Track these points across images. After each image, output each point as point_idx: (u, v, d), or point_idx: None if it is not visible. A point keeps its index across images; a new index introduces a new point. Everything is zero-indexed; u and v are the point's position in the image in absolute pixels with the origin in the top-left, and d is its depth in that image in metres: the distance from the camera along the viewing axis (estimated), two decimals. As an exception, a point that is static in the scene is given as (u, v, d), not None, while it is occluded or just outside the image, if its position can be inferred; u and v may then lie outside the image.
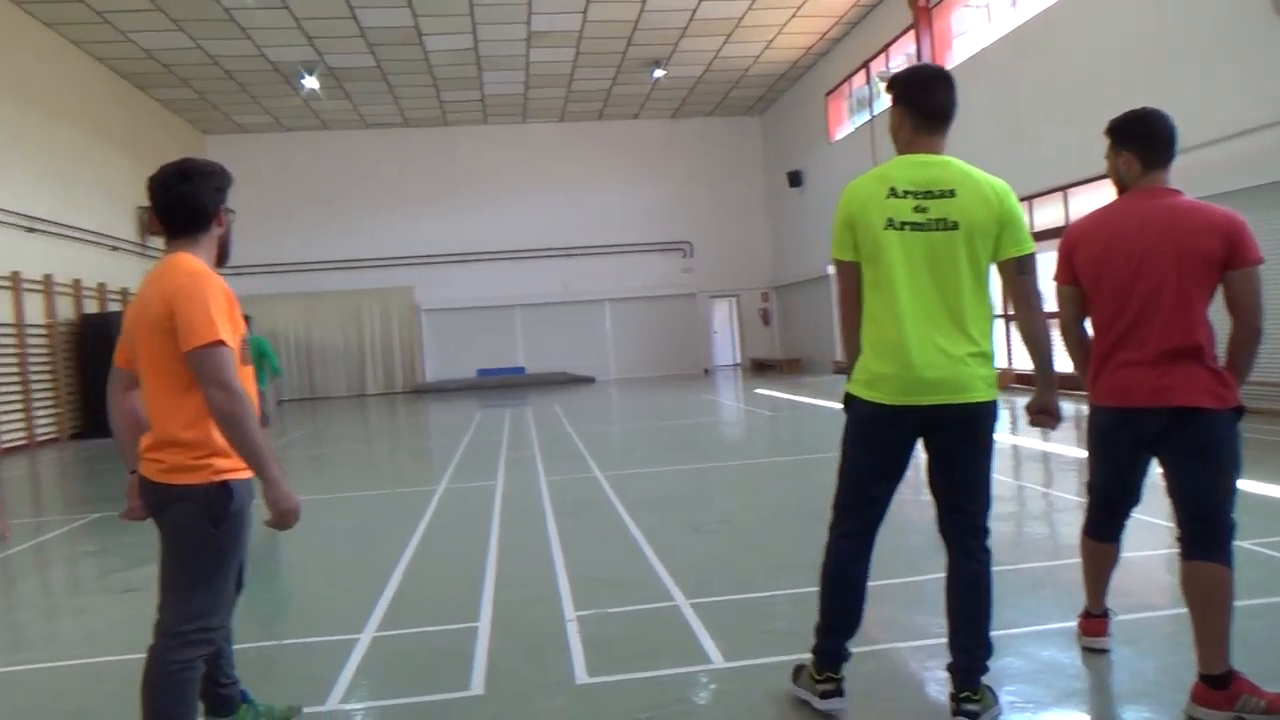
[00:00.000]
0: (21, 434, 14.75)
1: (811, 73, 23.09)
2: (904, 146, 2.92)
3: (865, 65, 20.11)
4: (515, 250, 26.07)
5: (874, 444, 2.91)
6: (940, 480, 2.94)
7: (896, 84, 2.95)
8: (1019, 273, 2.86)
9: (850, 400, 2.97)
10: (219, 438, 2.58)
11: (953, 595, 2.93)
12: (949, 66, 16.68)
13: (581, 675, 3.52)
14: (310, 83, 20.31)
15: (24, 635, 4.73)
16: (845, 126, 21.97)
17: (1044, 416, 3.00)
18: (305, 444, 12.42)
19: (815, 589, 3.06)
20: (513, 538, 6.08)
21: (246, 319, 9.97)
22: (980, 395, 2.80)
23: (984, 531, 2.93)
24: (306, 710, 3.29)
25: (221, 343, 2.51)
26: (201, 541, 2.57)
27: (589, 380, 25.74)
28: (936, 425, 2.83)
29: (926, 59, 16.91)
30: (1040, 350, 2.93)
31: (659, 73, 21.83)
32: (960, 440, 2.85)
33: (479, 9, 17.25)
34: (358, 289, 25.33)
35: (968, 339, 2.79)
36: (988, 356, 2.83)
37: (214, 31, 17.35)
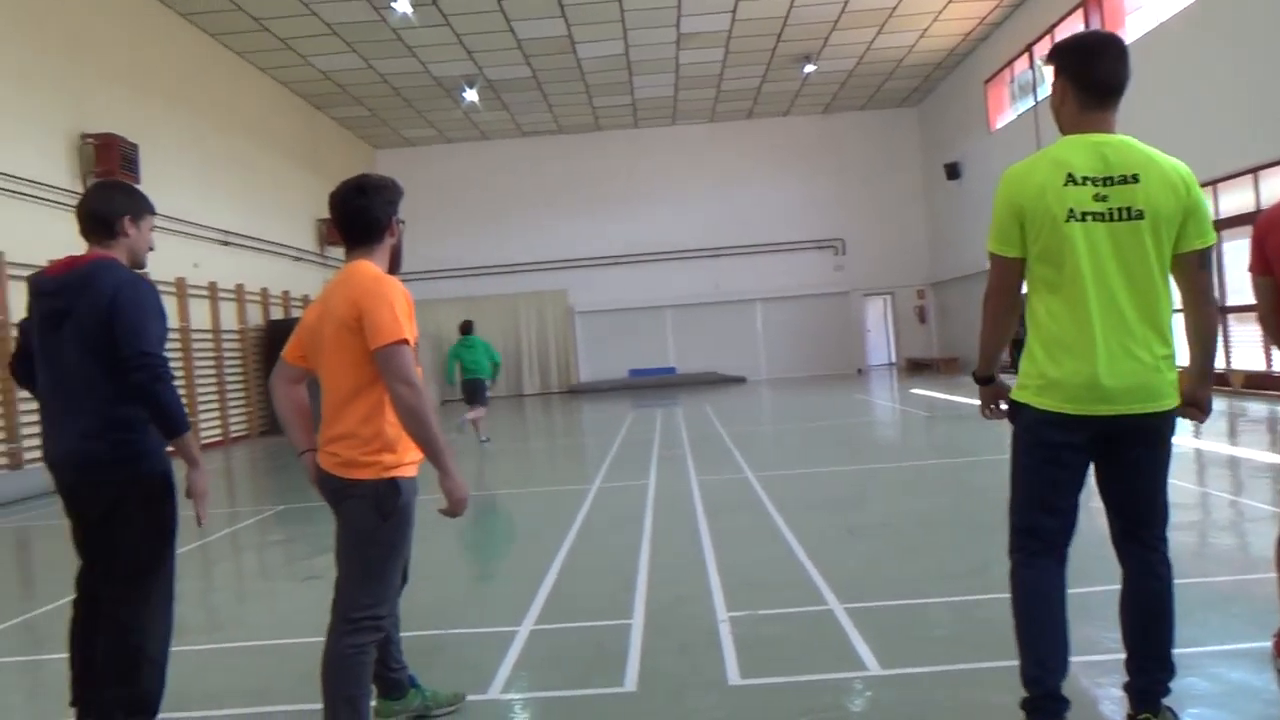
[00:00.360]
0: (217, 431, 16.06)
1: (970, 59, 22.18)
2: (1069, 126, 2.66)
3: (1029, 48, 19.13)
4: (666, 251, 26.29)
5: (1048, 455, 2.66)
6: (1116, 491, 2.74)
7: (1058, 53, 2.68)
8: (1200, 267, 2.63)
9: (1018, 408, 2.73)
10: (391, 433, 2.75)
11: (1130, 614, 2.73)
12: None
13: (734, 676, 3.52)
14: (470, 95, 21.17)
15: (217, 617, 5.16)
16: (1006, 114, 20.98)
17: (1194, 410, 2.77)
18: (467, 442, 12.96)
19: (978, 596, 2.96)
20: (665, 537, 6.14)
21: (468, 322, 10.78)
22: (1169, 403, 2.61)
23: (1163, 543, 2.74)
24: (470, 698, 3.43)
25: (405, 341, 2.68)
26: (371, 534, 2.74)
27: (740, 380, 25.65)
28: (1118, 435, 2.62)
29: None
30: (1206, 347, 2.73)
31: (809, 68, 21.50)
32: (1142, 450, 2.65)
33: (629, 14, 17.50)
34: (515, 292, 26.20)
35: (1161, 341, 2.58)
36: (1173, 359, 2.62)
37: (383, 51, 18.36)
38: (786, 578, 4.89)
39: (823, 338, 26.55)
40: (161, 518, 3.06)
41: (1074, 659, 3.35)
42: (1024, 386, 2.69)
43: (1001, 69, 20.65)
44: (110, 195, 3.22)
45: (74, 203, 12.40)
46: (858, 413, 14.73)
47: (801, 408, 16.40)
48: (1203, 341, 2.73)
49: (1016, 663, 2.69)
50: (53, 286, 3.03)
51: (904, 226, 26.51)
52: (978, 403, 2.97)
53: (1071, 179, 2.54)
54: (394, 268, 3.01)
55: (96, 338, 2.94)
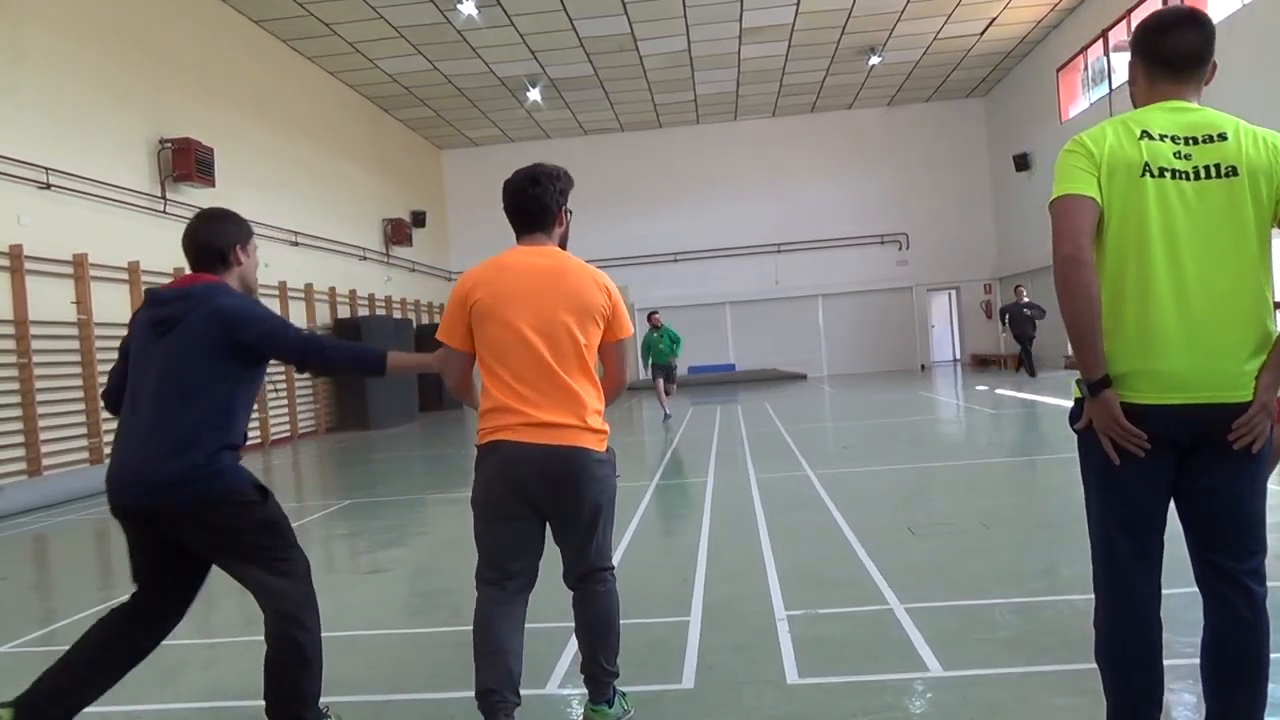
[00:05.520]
0: (286, 427, 16.49)
1: (1041, 47, 21.62)
2: (1142, 102, 2.45)
3: (1104, 34, 18.56)
4: (727, 247, 26.18)
5: (1124, 457, 2.28)
6: (1194, 508, 2.32)
7: (1133, 34, 2.51)
8: None
9: (1082, 406, 2.36)
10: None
11: (1212, 662, 2.32)
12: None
13: (792, 675, 3.49)
14: (534, 95, 21.35)
15: (289, 606, 5.28)
16: (1079, 103, 20.40)
17: (1257, 414, 2.22)
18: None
19: (1043, 598, 2.87)
20: (723, 534, 6.12)
21: (655, 313, 11.36)
22: (1247, 394, 2.21)
23: (1258, 577, 2.28)
24: (526, 693, 3.46)
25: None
26: (613, 491, 3.04)
27: (800, 377, 25.42)
28: (1197, 432, 2.23)
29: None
30: None
31: (875, 60, 21.19)
32: (1225, 453, 2.22)
33: (692, 10, 17.46)
34: (577, 290, 26.29)
35: (1246, 321, 2.22)
36: (1259, 343, 2.24)
37: (449, 53, 18.62)
38: (846, 576, 4.84)
39: (885, 334, 26.18)
40: (265, 517, 2.99)
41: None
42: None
43: (1074, 56, 20.08)
44: (220, 226, 3.22)
45: (154, 205, 12.71)
46: (921, 410, 14.48)
47: (863, 405, 16.19)
48: None
49: (1083, 665, 2.59)
50: (170, 295, 3.05)
51: (970, 220, 25.98)
52: (1047, 400, 2.65)
53: (1147, 134, 2.27)
54: None
55: (205, 346, 2.91)
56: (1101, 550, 2.39)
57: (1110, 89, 18.25)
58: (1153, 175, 2.23)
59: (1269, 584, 2.35)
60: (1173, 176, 2.23)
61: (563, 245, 3.15)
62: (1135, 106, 2.48)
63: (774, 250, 26.19)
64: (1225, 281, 2.22)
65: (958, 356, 27.11)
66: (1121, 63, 17.43)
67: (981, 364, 25.14)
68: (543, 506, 2.93)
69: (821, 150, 26.09)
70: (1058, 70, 20.95)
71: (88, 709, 2.93)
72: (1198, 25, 2.41)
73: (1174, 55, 2.38)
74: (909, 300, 26.30)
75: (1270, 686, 2.35)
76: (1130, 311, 2.25)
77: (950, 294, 26.89)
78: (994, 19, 19.49)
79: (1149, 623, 2.34)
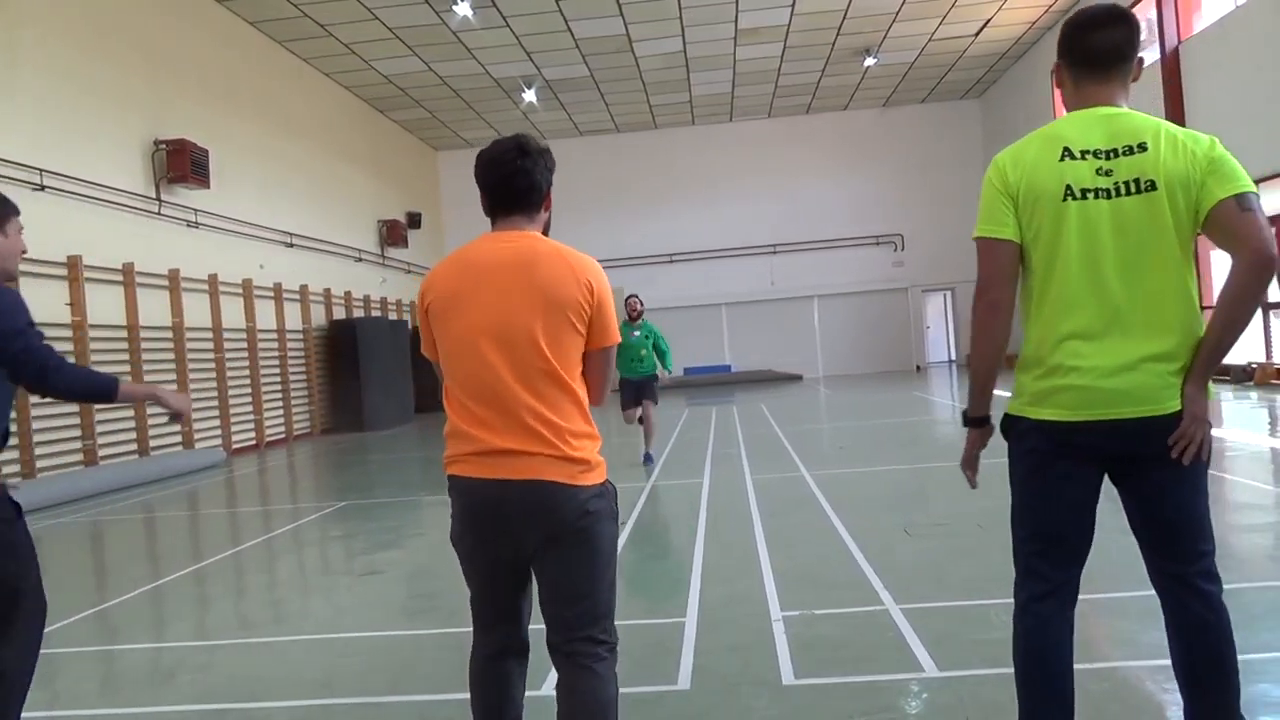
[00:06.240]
0: (281, 429, 16.46)
1: (1036, 49, 21.68)
2: (1069, 105, 2.42)
3: (1097, 37, 18.60)
4: (723, 249, 26.18)
5: (1051, 474, 2.32)
6: (1138, 515, 2.35)
7: (1060, 31, 2.48)
8: (1240, 209, 2.16)
9: (1012, 424, 2.39)
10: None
11: (1181, 665, 2.33)
12: (1197, 31, 15.15)
13: (788, 676, 3.49)
14: (529, 96, 21.34)
15: (281, 610, 5.28)
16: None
17: (1189, 421, 2.22)
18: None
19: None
20: (719, 535, 6.12)
21: (635, 297, 10.00)
22: (1173, 406, 2.21)
23: (1210, 577, 2.30)
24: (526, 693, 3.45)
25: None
26: (607, 539, 2.43)
27: (796, 378, 25.43)
28: (1127, 447, 2.26)
29: (1168, 24, 15.42)
30: (1230, 316, 2.18)
31: (870, 61, 21.23)
32: (1159, 463, 2.24)
33: (688, 11, 17.47)
34: (572, 291, 26.27)
35: (1166, 332, 2.21)
36: (1180, 355, 2.23)
37: (444, 54, 18.60)
38: (842, 577, 4.84)
39: (881, 335, 26.21)
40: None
41: (1139, 663, 3.21)
42: (1019, 397, 2.39)
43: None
44: None
45: (149, 207, 12.68)
46: (916, 411, 14.50)
47: (859, 406, 16.20)
48: (1226, 309, 2.19)
49: (1078, 666, 2.57)
50: None
51: (966, 221, 25.85)
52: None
53: (1068, 153, 2.27)
54: None
55: None
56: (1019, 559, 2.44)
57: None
58: (1075, 198, 2.24)
59: (1236, 584, 2.36)
60: (1095, 196, 2.23)
61: (546, 231, 2.57)
62: (1066, 111, 2.45)
63: (770, 251, 26.21)
64: (1149, 296, 2.22)
65: (953, 357, 27.15)
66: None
67: (977, 365, 25.14)
68: (511, 549, 2.35)
69: (817, 151, 26.11)
70: (1052, 71, 20.99)
71: (76, 717, 2.90)
72: (1122, 20, 2.36)
73: (1097, 53, 2.35)
74: (905, 301, 26.33)
75: (1267, 686, 2.37)
76: (1056, 331, 2.27)
77: (946, 295, 26.92)
78: (989, 20, 19.53)
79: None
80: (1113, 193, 2.23)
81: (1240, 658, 2.34)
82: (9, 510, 2.78)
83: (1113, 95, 2.35)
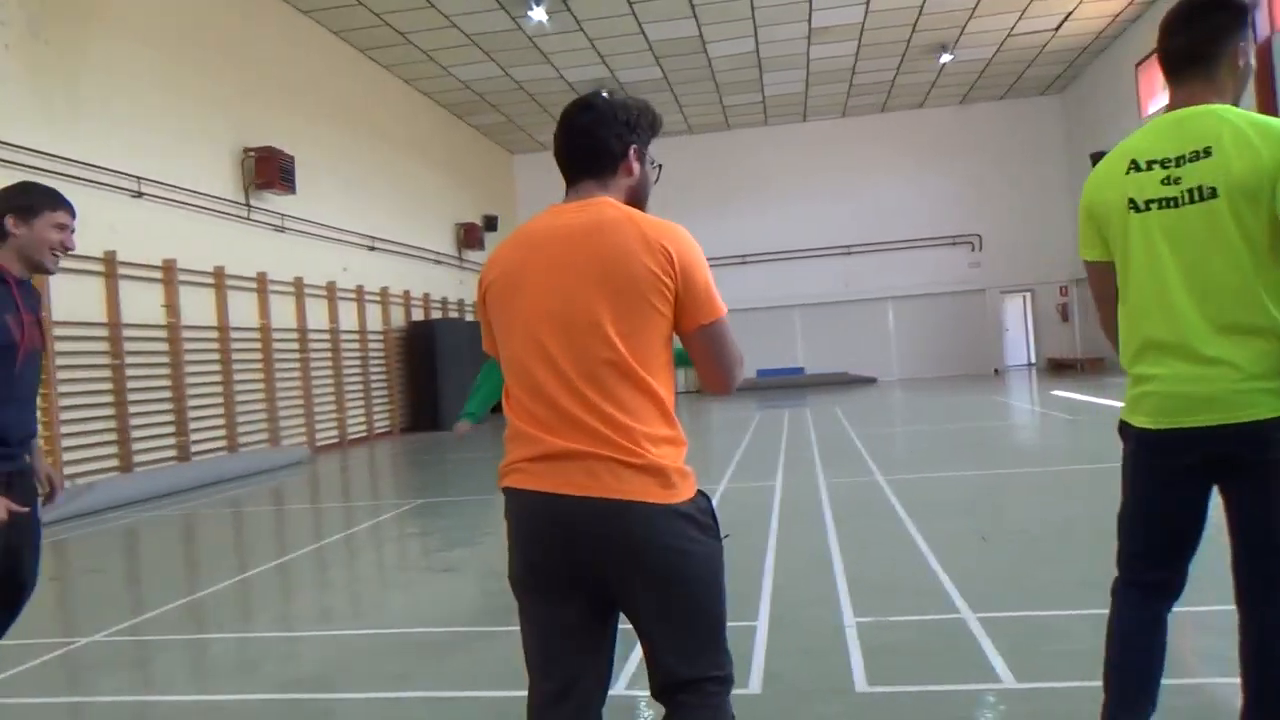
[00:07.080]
0: (363, 427, 16.89)
1: (1119, 42, 20.99)
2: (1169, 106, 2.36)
3: (1188, 29, 17.92)
4: (795, 250, 25.98)
5: (1148, 477, 2.37)
6: (1231, 521, 2.33)
7: None
8: None
9: (1121, 426, 2.44)
10: None
11: (1258, 674, 2.29)
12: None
13: (860, 683, 3.47)
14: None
15: (360, 605, 5.45)
16: (1160, 98, 19.71)
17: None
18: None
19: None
20: (791, 538, 6.10)
21: None
22: (1255, 412, 2.14)
23: None
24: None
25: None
26: (707, 561, 2.12)
27: (870, 381, 25.09)
28: (1216, 453, 2.23)
29: (1260, 16, 14.79)
30: None
31: (946, 58, 20.82)
32: (1247, 470, 2.22)
33: (760, 11, 17.40)
34: (644, 292, 26.38)
35: (1245, 342, 2.14)
36: (1263, 361, 2.15)
37: (520, 59, 18.87)
38: (916, 584, 4.78)
39: (958, 337, 25.68)
40: None
41: (1226, 680, 3.12)
42: (1125, 404, 2.42)
43: (1155, 50, 19.41)
44: None
45: (239, 212, 13.16)
46: (994, 415, 14.18)
47: (935, 409, 15.92)
48: None
49: (1163, 682, 2.53)
50: None
51: (1046, 221, 25.32)
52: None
53: (1134, 165, 2.25)
54: None
55: None
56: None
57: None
58: (1137, 210, 2.24)
59: None
60: (1161, 206, 2.21)
61: (637, 205, 2.10)
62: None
63: (844, 252, 25.91)
64: (1217, 306, 2.17)
65: (1033, 360, 26.46)
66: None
67: (1058, 368, 24.48)
68: (587, 583, 1.93)
69: (892, 150, 25.72)
70: (1137, 65, 20.29)
71: (166, 702, 3.04)
72: (1194, 18, 2.27)
73: (1168, 56, 2.31)
74: (982, 303, 25.76)
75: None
76: (1135, 341, 2.32)
77: (1025, 296, 26.25)
78: (1069, 14, 18.99)
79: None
80: (1179, 201, 2.19)
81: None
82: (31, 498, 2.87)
83: (1193, 95, 2.26)
